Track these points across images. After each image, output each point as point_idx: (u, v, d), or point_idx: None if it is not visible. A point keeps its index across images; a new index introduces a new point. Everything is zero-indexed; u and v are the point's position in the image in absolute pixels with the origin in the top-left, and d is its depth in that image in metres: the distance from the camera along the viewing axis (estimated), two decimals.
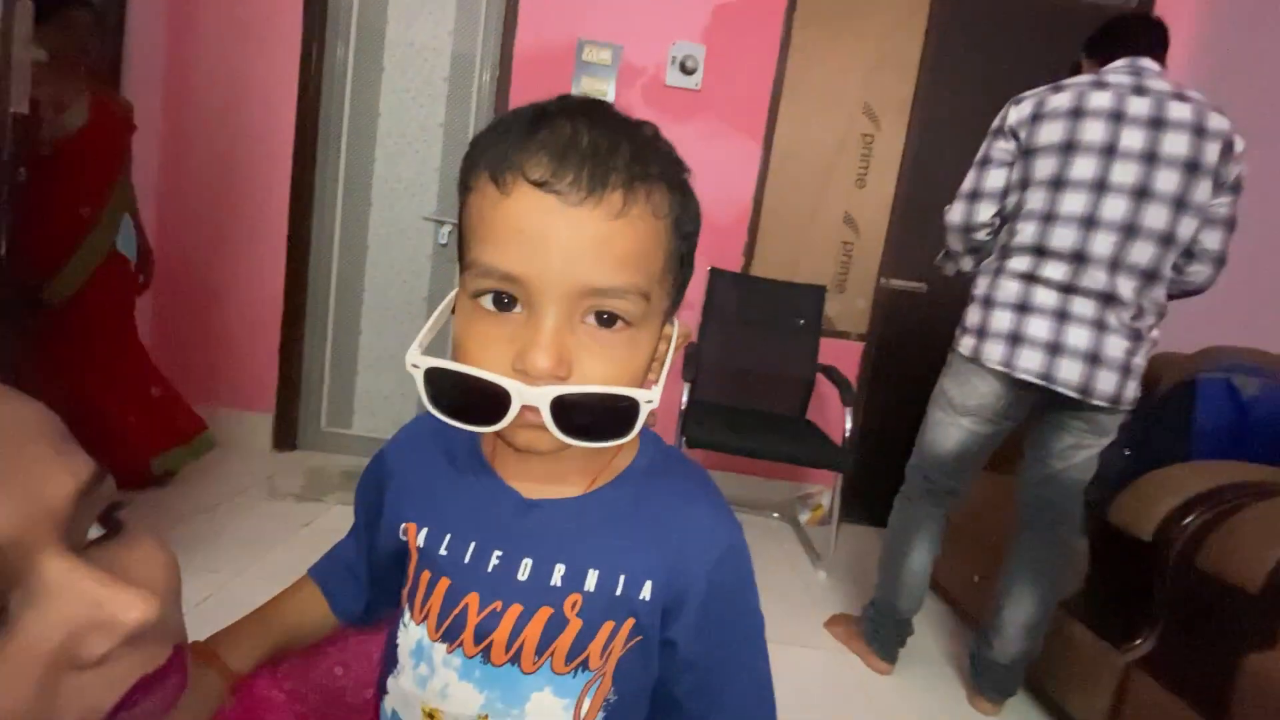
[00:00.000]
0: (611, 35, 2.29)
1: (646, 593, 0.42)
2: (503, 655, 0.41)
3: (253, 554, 1.65)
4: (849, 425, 2.11)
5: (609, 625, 0.42)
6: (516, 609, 0.42)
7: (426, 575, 0.44)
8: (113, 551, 0.27)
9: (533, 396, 0.36)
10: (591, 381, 0.37)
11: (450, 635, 0.43)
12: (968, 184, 1.47)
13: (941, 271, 1.64)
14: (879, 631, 1.63)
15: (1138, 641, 1.28)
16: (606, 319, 0.38)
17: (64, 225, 1.81)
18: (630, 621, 0.42)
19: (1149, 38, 1.38)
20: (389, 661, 0.46)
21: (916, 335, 2.45)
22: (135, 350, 2.00)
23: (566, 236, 0.36)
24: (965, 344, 1.46)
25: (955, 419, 1.49)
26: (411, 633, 0.44)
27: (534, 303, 0.37)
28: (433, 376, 0.37)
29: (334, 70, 2.34)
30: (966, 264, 1.56)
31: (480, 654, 0.42)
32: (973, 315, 1.46)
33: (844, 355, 2.48)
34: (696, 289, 2.42)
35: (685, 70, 2.30)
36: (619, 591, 0.42)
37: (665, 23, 2.29)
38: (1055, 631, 1.46)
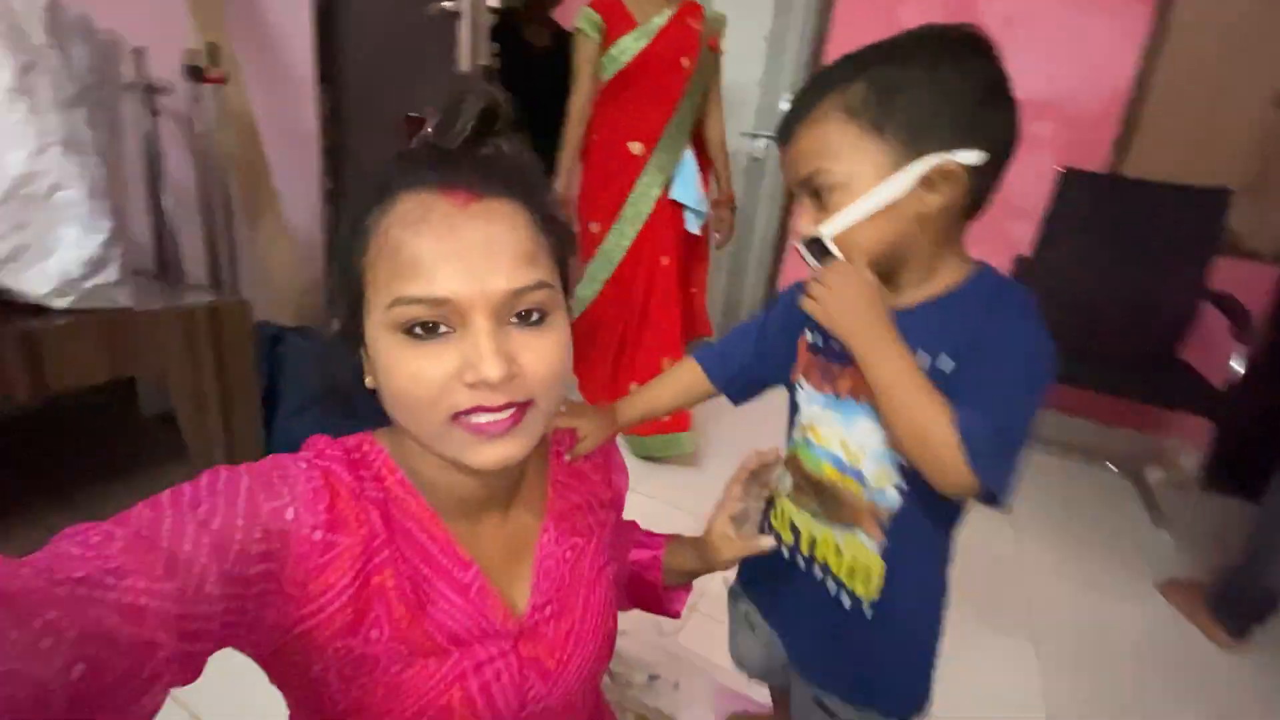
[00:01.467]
0: None
1: (945, 364, 0.55)
2: (845, 394, 0.63)
3: None
4: (1238, 367, 1.68)
5: None
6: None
7: (808, 356, 0.68)
8: (525, 331, 0.41)
9: (801, 235, 0.58)
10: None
11: (820, 386, 0.66)
12: None
13: None
14: (1233, 603, 1.36)
15: None
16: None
17: (616, 165, 1.63)
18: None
19: None
20: (790, 412, 0.71)
21: None
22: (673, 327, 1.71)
23: None
24: None
25: None
26: (804, 390, 0.68)
27: None
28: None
29: None
30: None
31: (833, 393, 0.64)
32: None
33: (1249, 282, 1.94)
34: (1036, 194, 2.11)
35: None
36: (926, 366, 0.56)
37: None
38: None
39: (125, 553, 0.31)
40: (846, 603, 0.65)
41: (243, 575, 0.36)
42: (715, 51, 1.63)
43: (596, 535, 0.57)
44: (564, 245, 0.46)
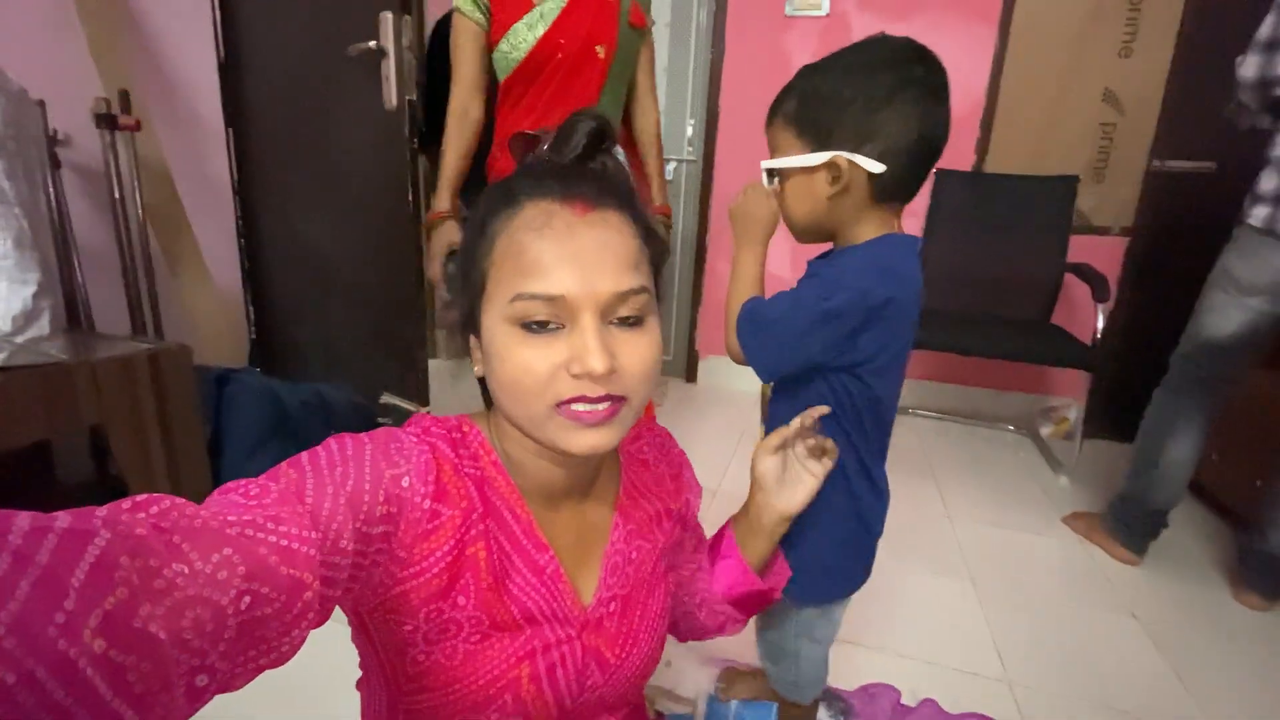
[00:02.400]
0: None
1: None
2: None
3: None
4: (1101, 323, 1.95)
5: None
6: None
7: None
8: (624, 331, 0.44)
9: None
10: None
11: None
12: (1265, 30, 1.27)
13: (1234, 124, 1.43)
14: (1125, 523, 1.57)
15: None
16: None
17: None
18: None
19: None
20: None
21: (1201, 224, 2.11)
22: None
23: None
24: (1258, 214, 1.30)
25: (1239, 300, 1.35)
26: None
27: None
28: None
29: None
30: (1263, 121, 1.36)
31: None
32: (1269, 180, 1.29)
33: (1101, 252, 2.25)
34: (920, 195, 2.36)
35: None
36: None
37: None
38: None
39: (279, 504, 0.34)
40: None
41: (368, 534, 0.39)
42: (640, 28, 1.31)
43: (660, 544, 0.59)
44: (659, 256, 0.49)
